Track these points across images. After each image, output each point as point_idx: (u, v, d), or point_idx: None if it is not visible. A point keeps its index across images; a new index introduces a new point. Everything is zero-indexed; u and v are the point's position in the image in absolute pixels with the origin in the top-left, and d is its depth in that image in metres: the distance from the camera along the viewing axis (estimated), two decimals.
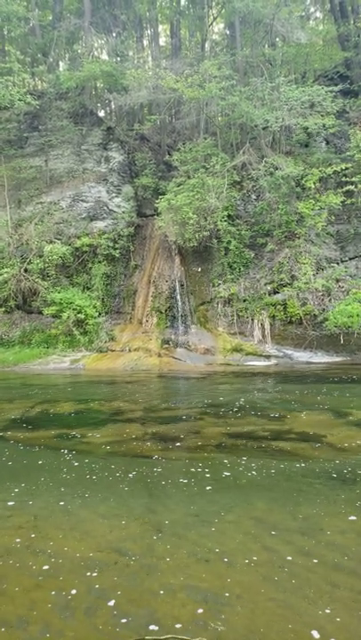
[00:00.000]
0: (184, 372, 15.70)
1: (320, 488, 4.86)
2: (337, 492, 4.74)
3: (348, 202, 18.07)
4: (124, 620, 2.79)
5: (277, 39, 24.20)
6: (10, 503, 4.66)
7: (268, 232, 19.00)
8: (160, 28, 31.70)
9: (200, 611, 2.87)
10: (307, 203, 18.17)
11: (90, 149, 22.35)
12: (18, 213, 21.86)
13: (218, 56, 22.68)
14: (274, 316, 17.92)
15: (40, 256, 19.83)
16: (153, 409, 9.33)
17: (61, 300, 18.89)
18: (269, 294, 18.28)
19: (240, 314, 18.58)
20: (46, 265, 19.66)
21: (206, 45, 28.61)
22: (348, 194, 18.05)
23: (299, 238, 18.25)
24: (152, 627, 2.74)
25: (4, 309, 19.90)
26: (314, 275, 17.49)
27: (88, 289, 20.41)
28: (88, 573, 3.32)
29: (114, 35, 26.30)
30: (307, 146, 20.72)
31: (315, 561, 3.43)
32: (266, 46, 24.36)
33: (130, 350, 18.21)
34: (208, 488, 4.92)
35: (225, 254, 19.28)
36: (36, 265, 19.65)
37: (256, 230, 19.28)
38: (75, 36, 26.90)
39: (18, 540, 3.87)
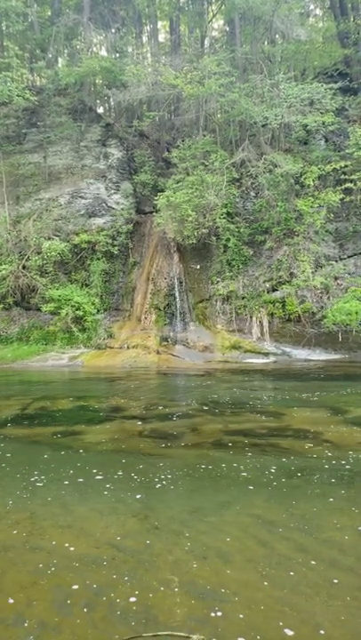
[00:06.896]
0: (183, 370, 15.69)
1: (318, 485, 4.86)
2: (334, 490, 4.74)
3: (347, 199, 18.06)
4: (121, 617, 2.79)
5: (277, 36, 24.14)
6: (7, 499, 4.65)
7: (267, 229, 18.98)
8: (159, 24, 31.52)
9: (197, 607, 2.87)
10: (306, 200, 18.15)
11: (89, 146, 22.27)
12: (16, 210, 21.79)
13: (217, 53, 22.61)
14: (272, 314, 17.92)
15: (38, 253, 19.79)
16: (151, 406, 9.32)
17: (60, 296, 18.85)
18: (268, 292, 18.27)
19: (239, 311, 18.58)
20: (45, 262, 19.62)
21: (206, 42, 28.54)
22: (347, 191, 18.04)
23: (298, 236, 18.23)
24: (149, 623, 2.73)
25: (2, 306, 19.85)
26: (313, 272, 17.49)
27: (87, 286, 20.37)
28: (86, 570, 3.31)
29: (113, 31, 26.18)
30: (306, 143, 20.67)
31: (312, 558, 3.43)
32: (265, 43, 24.28)
33: (128, 347, 18.19)
34: (206, 485, 4.92)
35: (224, 252, 19.26)
36: (35, 261, 19.61)
37: (255, 228, 19.26)
38: (74, 32, 26.75)
39: (15, 536, 3.87)
